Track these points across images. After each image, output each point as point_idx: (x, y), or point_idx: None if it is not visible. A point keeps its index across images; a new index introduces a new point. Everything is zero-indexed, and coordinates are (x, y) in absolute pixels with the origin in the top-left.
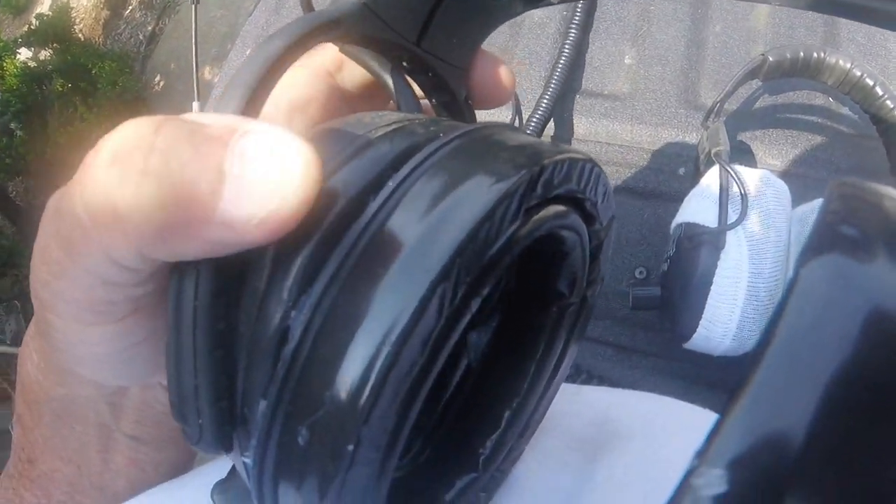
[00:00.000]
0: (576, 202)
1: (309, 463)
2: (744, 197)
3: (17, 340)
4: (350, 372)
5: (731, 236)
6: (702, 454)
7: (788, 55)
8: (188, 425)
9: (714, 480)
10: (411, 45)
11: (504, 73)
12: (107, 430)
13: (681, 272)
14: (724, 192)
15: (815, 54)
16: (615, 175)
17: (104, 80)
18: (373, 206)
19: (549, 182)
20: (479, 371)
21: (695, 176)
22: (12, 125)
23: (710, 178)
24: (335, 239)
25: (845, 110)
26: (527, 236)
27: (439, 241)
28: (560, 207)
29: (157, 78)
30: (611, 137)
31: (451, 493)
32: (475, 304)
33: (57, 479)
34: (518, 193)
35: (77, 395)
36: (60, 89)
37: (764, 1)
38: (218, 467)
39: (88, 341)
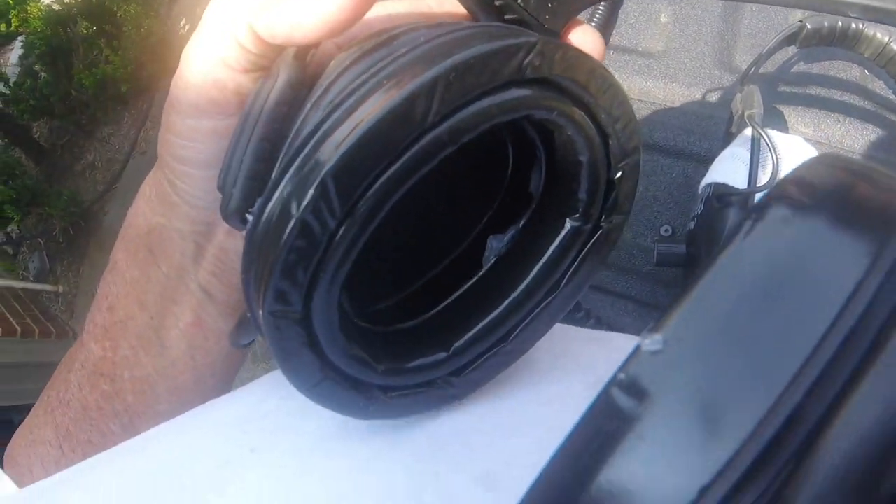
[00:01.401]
0: (586, 108)
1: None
2: (775, 161)
3: (40, 277)
4: (333, 141)
5: (759, 199)
6: (652, 329)
7: (826, 23)
8: (224, 192)
9: (655, 343)
10: None
11: (595, 45)
12: (185, 277)
13: (707, 231)
14: (755, 154)
15: (853, 24)
16: (646, 133)
17: (129, 22)
18: (393, 45)
19: (545, 58)
20: (488, 269)
21: (726, 137)
22: (37, 67)
23: (742, 140)
24: (360, 67)
25: (880, 84)
26: (517, 102)
27: (433, 63)
28: (560, 98)
29: (183, 21)
30: (643, 94)
31: (415, 363)
32: (456, 134)
33: (129, 329)
34: (513, 52)
35: (173, 227)
36: (85, 32)
37: (788, 4)
38: (253, 391)
39: (199, 138)
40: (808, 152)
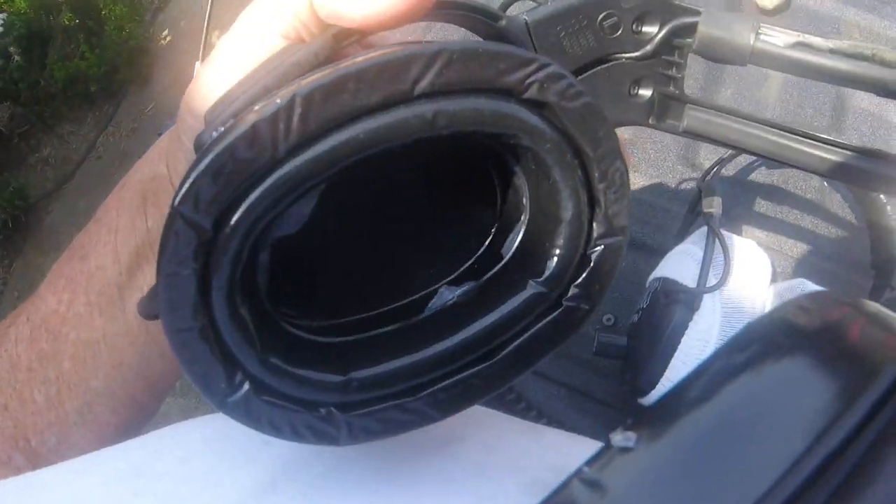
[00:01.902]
0: (581, 160)
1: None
2: (727, 263)
3: None
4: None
5: (706, 300)
6: (626, 427)
7: None
8: (206, 122)
9: (627, 440)
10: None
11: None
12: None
13: (651, 326)
14: (707, 254)
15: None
16: None
17: (112, 22)
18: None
19: (556, 84)
20: (427, 315)
21: (681, 233)
22: (11, 49)
23: (697, 238)
24: None
25: (838, 197)
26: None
27: (445, 44)
28: (556, 134)
29: (165, 32)
30: None
31: (307, 374)
32: (439, 119)
33: (95, 281)
34: (524, 62)
35: (172, 179)
36: (67, 23)
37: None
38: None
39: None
40: (760, 257)
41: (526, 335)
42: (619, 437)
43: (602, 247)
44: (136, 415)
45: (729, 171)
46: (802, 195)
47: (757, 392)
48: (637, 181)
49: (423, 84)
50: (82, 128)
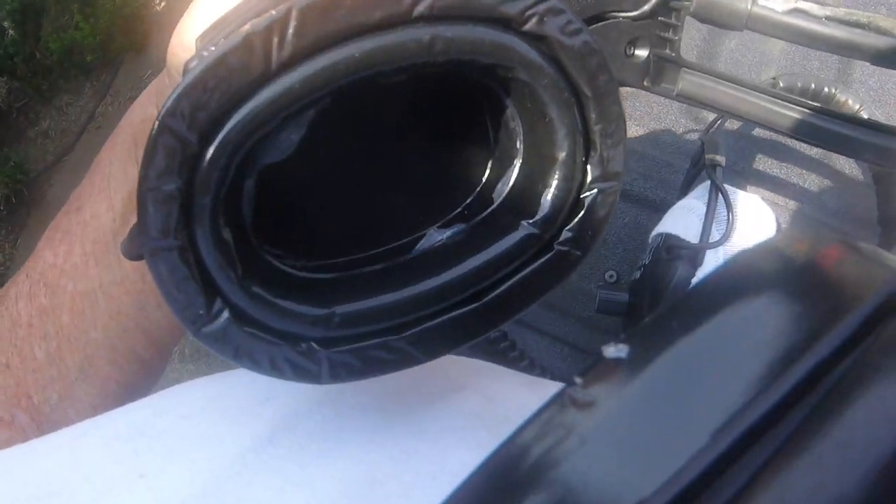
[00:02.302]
0: (579, 100)
1: None
2: (730, 218)
3: None
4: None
5: (709, 255)
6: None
7: (799, 84)
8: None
9: (619, 351)
10: None
11: None
12: None
13: (653, 282)
14: (710, 209)
15: (825, 88)
16: None
17: None
18: None
19: (557, 19)
20: (414, 256)
21: (684, 188)
22: (5, 23)
23: (700, 193)
24: None
25: None
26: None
27: None
28: (555, 70)
29: None
30: None
31: (290, 307)
32: (435, 46)
33: (90, 230)
34: None
35: None
36: None
37: (780, 37)
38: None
39: None
40: (764, 213)
41: (515, 278)
42: (611, 349)
43: (596, 191)
44: (139, 371)
45: (733, 125)
46: (808, 150)
47: (742, 316)
48: (639, 134)
49: (423, 6)
50: (80, 98)
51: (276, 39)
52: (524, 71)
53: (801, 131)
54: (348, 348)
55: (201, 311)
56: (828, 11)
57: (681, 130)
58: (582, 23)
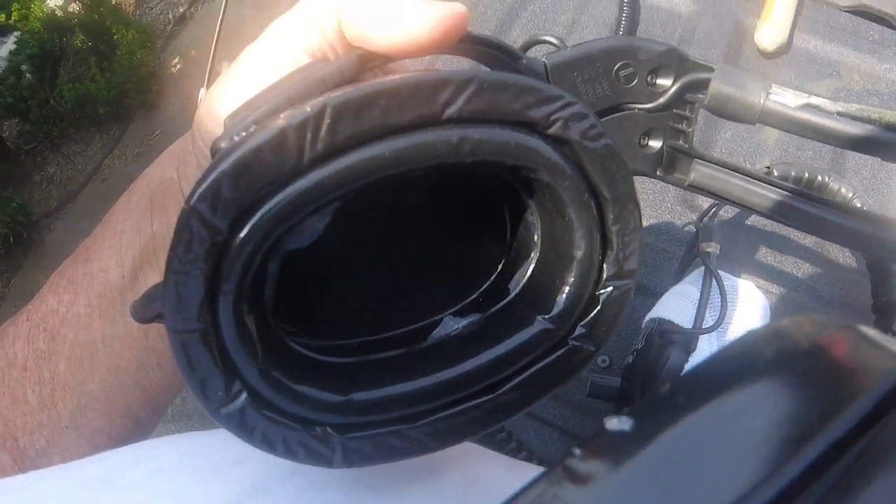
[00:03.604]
0: (598, 202)
1: None
2: (724, 303)
3: None
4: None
5: (703, 341)
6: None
7: (793, 172)
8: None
9: (623, 423)
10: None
11: None
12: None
13: (646, 367)
14: (704, 295)
15: (819, 177)
16: None
17: (124, 48)
18: None
19: (581, 124)
20: (430, 344)
21: (678, 274)
22: (23, 67)
23: (694, 279)
24: None
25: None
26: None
27: (475, 69)
28: (575, 173)
29: (176, 60)
30: None
31: (308, 392)
32: (464, 145)
33: (96, 283)
34: (550, 99)
35: (181, 185)
36: (79, 45)
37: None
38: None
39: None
40: (758, 299)
41: (529, 371)
42: (614, 421)
43: (611, 288)
44: (132, 427)
45: (728, 213)
46: (802, 240)
47: (750, 396)
48: None
49: (453, 109)
50: (89, 149)
51: (309, 135)
52: (547, 172)
53: (810, 227)
54: (363, 435)
55: (220, 393)
56: (839, 107)
57: (676, 218)
58: (603, 126)
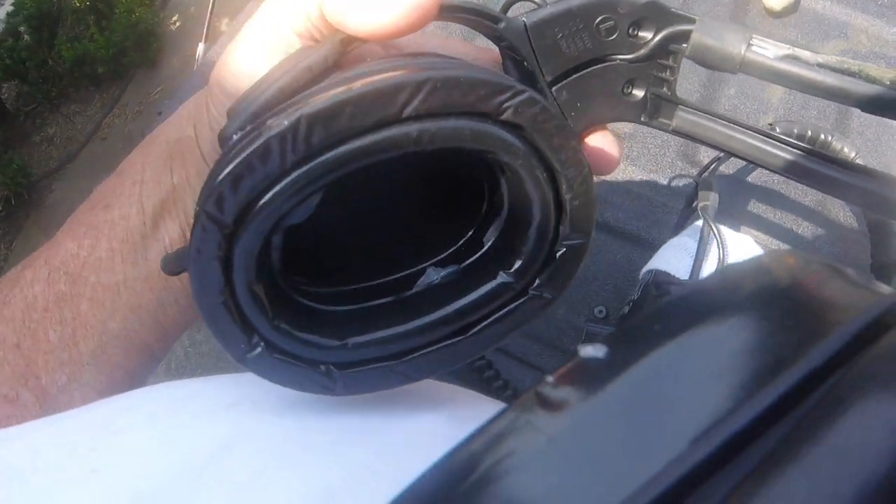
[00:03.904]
0: (550, 172)
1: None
2: (722, 257)
3: None
4: (323, 96)
5: None
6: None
7: (796, 130)
8: (228, 117)
9: (597, 350)
10: (544, 80)
11: (613, 150)
12: (190, 194)
13: None
14: (702, 246)
15: (822, 136)
16: (599, 210)
17: (122, 6)
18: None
19: (528, 107)
20: (414, 293)
21: (677, 228)
22: (21, 28)
23: (692, 231)
24: None
25: (838, 201)
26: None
27: (429, 69)
28: (527, 150)
29: (175, 17)
30: None
31: (310, 338)
32: (423, 136)
33: (118, 228)
34: (500, 89)
35: (198, 143)
36: (77, 4)
37: (780, 83)
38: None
39: (244, 77)
40: (755, 253)
41: (495, 316)
42: (588, 349)
43: (565, 248)
44: (147, 361)
45: (729, 169)
46: (802, 198)
47: (728, 326)
48: (635, 174)
49: (410, 108)
50: (88, 109)
51: (289, 144)
52: (503, 153)
53: (792, 171)
54: (359, 370)
55: (242, 346)
56: (820, 59)
57: (676, 172)
58: (554, 109)
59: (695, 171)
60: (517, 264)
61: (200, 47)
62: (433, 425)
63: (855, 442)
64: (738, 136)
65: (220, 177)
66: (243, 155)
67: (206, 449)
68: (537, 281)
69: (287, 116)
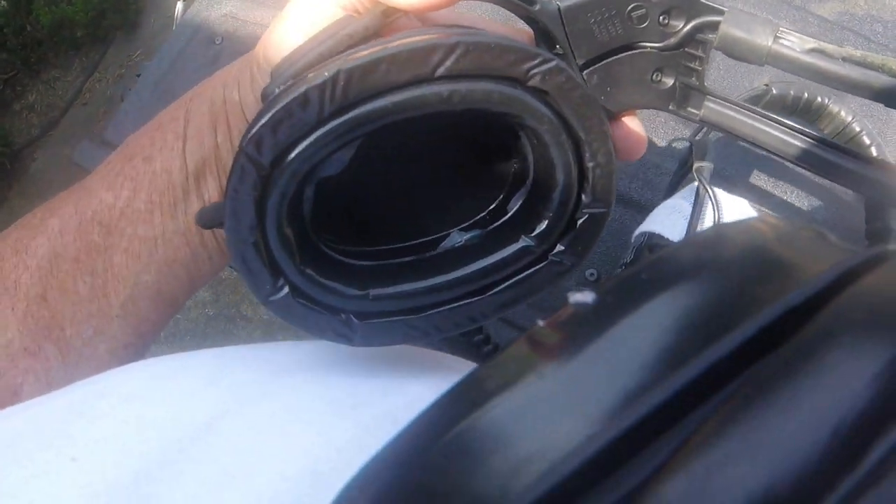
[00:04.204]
0: (575, 140)
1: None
2: (717, 219)
3: None
4: (359, 55)
5: None
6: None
7: (792, 92)
8: (272, 77)
9: (586, 296)
10: (575, 63)
11: (635, 143)
12: (231, 154)
13: None
14: (697, 208)
15: (818, 98)
16: None
17: None
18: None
19: (555, 75)
20: (438, 253)
21: (670, 190)
22: None
23: (686, 193)
24: None
25: None
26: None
27: (462, 36)
28: (553, 117)
29: None
30: None
31: (334, 285)
32: (453, 97)
33: (159, 181)
34: (529, 56)
35: (244, 105)
36: None
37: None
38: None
39: (287, 46)
40: (749, 215)
41: (514, 279)
42: (577, 295)
43: (587, 215)
44: (171, 314)
45: None
46: None
47: (704, 282)
48: None
49: (442, 69)
50: (68, 74)
51: (327, 94)
52: (530, 118)
53: (820, 167)
54: (378, 322)
55: (268, 287)
56: (844, 53)
57: (670, 133)
58: (580, 78)
59: (688, 132)
60: (540, 228)
61: (179, 6)
62: (420, 395)
63: (807, 400)
64: (765, 128)
65: (262, 121)
66: (284, 101)
67: (187, 430)
68: (558, 247)
69: (327, 69)
